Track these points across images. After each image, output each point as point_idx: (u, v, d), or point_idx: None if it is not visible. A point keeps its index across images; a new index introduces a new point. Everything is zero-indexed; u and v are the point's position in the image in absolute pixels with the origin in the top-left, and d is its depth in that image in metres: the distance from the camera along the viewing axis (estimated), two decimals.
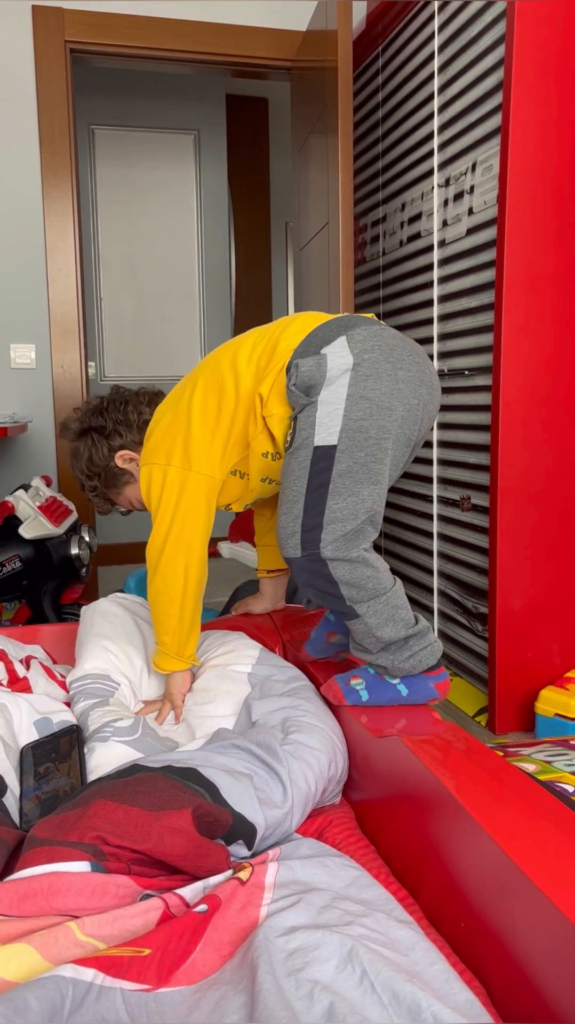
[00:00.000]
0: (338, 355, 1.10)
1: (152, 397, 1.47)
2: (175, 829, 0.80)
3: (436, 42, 2.36)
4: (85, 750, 1.09)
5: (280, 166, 4.81)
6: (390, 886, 0.89)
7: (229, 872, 0.82)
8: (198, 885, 0.80)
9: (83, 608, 1.46)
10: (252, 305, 4.60)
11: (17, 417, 2.79)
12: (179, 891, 0.79)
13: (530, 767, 1.11)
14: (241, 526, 2.18)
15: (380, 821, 1.01)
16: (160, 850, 0.79)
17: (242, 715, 1.15)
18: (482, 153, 2.16)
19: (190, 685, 1.26)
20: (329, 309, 2.46)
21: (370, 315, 1.22)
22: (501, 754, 1.16)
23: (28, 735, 1.14)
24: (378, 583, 1.09)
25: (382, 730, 1.03)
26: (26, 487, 2.44)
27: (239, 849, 0.89)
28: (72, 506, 2.55)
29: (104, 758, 1.05)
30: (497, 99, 2.06)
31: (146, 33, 3.01)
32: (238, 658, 1.26)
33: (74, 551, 2.40)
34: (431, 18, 2.37)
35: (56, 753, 1.09)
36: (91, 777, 1.04)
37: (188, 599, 1.24)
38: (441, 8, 2.33)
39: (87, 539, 2.47)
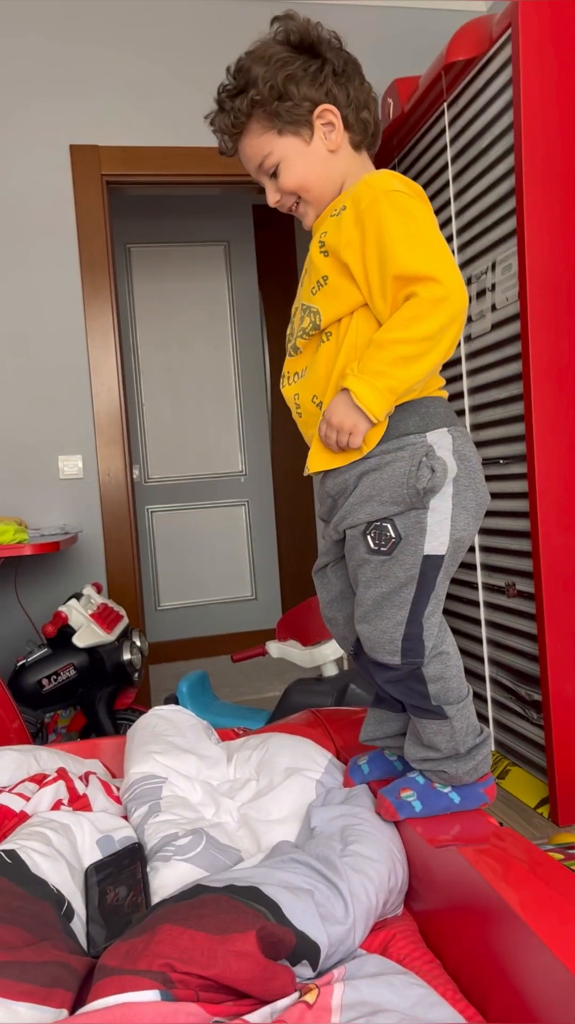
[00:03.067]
0: (447, 458, 1.09)
1: None
2: (240, 953, 0.82)
3: (449, 153, 2.49)
4: (148, 869, 1.10)
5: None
6: (457, 1004, 0.88)
7: (295, 995, 0.83)
8: (266, 1010, 0.80)
9: (128, 731, 1.50)
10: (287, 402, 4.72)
11: (68, 528, 2.89)
12: (247, 1016, 0.80)
13: None
14: (289, 623, 2.21)
15: (444, 933, 1.01)
16: (227, 975, 0.80)
17: (305, 824, 1.17)
18: (501, 253, 2.25)
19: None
20: None
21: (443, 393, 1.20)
22: (561, 857, 1.15)
23: (91, 855, 1.16)
24: (460, 682, 1.13)
25: (439, 839, 1.03)
26: (78, 596, 2.51)
27: (304, 970, 0.89)
28: (123, 612, 2.61)
29: (168, 878, 1.07)
30: (510, 204, 2.16)
31: (176, 162, 3.22)
32: (308, 763, 1.28)
33: (126, 656, 2.45)
34: (443, 132, 2.51)
35: (120, 873, 1.11)
36: (155, 898, 1.06)
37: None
38: (451, 122, 2.46)
39: (138, 644, 2.52)
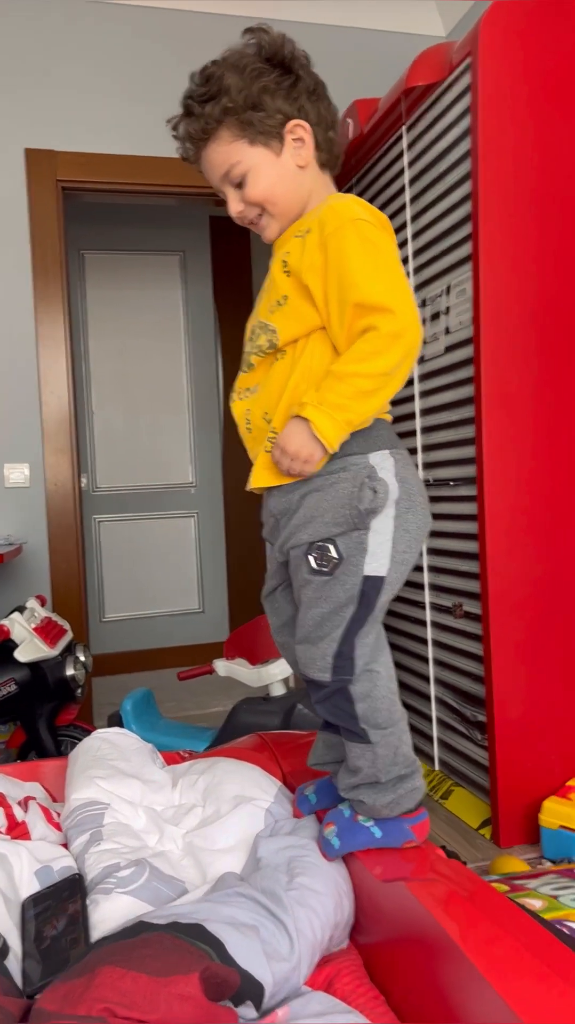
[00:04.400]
0: (389, 480, 1.09)
1: None
2: (183, 996, 0.79)
3: (407, 176, 2.51)
4: (88, 902, 1.07)
5: (260, 280, 5.02)
6: None
7: None
8: None
9: (70, 754, 1.46)
10: None
11: (12, 539, 2.83)
12: None
13: (537, 903, 1.10)
14: (237, 642, 2.19)
15: (389, 967, 1.00)
16: (169, 1020, 0.78)
17: (252, 855, 1.15)
18: (456, 277, 2.27)
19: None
20: None
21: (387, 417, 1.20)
22: (506, 888, 1.15)
23: (29, 886, 1.12)
24: (391, 705, 1.12)
25: (386, 873, 1.02)
26: (21, 608, 2.45)
27: (247, 1011, 0.87)
28: (67, 625, 2.55)
29: (108, 912, 1.04)
30: (466, 229, 2.18)
31: (134, 170, 3.18)
32: (256, 791, 1.26)
33: (69, 672, 2.40)
34: (401, 155, 2.53)
35: (58, 906, 1.07)
36: (95, 932, 1.03)
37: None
38: (410, 145, 2.49)
39: (82, 659, 2.47)
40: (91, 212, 4.14)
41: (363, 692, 1.11)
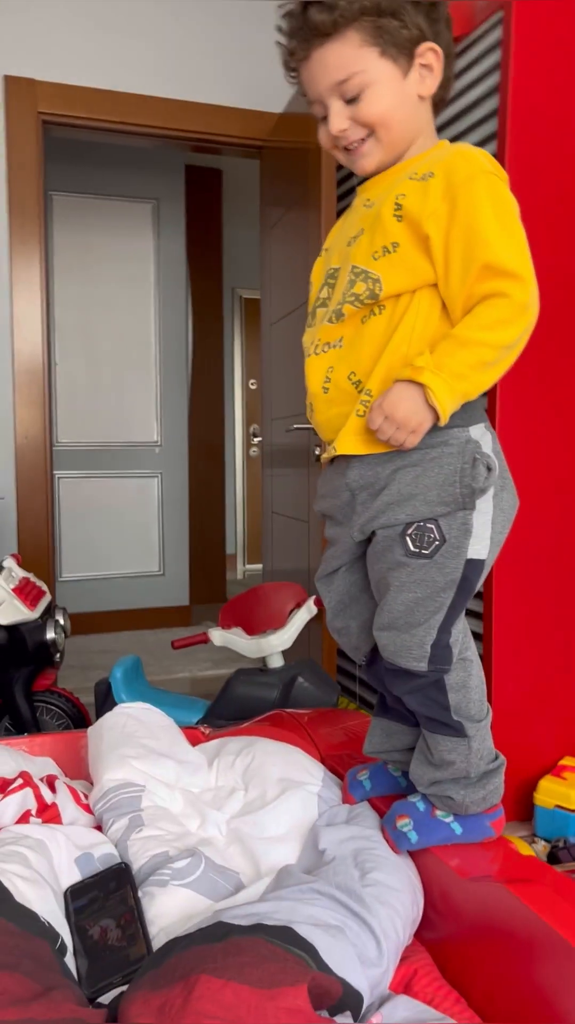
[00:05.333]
0: (491, 453, 1.02)
1: None
2: (292, 1010, 0.73)
3: None
4: (141, 895, 0.99)
5: (230, 235, 4.86)
6: None
7: None
8: None
9: (88, 729, 1.36)
10: (207, 372, 4.58)
11: None
12: None
13: None
14: (234, 611, 2.11)
15: (465, 967, 0.95)
16: None
17: (308, 844, 1.08)
18: None
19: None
20: None
21: None
22: None
23: (69, 876, 1.04)
24: (481, 695, 1.07)
25: (469, 869, 0.97)
26: None
27: (344, 1019, 0.81)
28: (45, 587, 2.43)
29: (165, 906, 0.96)
30: None
31: (117, 107, 3.00)
32: (303, 775, 1.18)
33: (49, 636, 2.28)
34: None
35: (105, 899, 0.99)
36: (152, 928, 0.95)
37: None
38: None
39: (62, 622, 2.36)
40: (62, 150, 3.91)
41: (458, 682, 1.05)
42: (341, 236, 1.12)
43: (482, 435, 1.04)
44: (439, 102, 1.10)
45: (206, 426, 4.55)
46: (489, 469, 0.99)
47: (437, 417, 0.97)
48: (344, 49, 1.01)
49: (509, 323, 0.96)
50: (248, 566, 6.07)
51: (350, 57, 1.01)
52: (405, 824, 1.07)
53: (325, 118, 1.06)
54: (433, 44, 1.04)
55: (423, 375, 0.96)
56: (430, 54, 1.04)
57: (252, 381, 5.97)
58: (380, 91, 1.02)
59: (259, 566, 5.29)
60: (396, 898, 0.95)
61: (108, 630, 4.21)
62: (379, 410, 0.99)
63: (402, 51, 1.02)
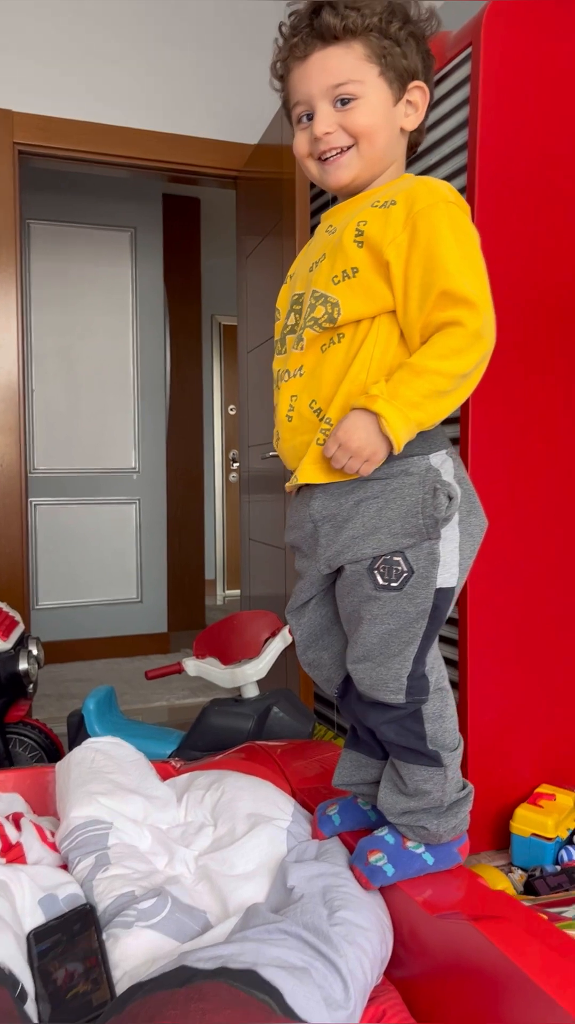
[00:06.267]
0: (452, 483, 1.02)
1: None
2: None
3: None
4: (105, 937, 0.97)
5: (210, 262, 4.90)
6: None
7: None
8: None
9: (57, 765, 1.35)
10: (185, 398, 4.58)
11: None
12: None
13: None
14: (208, 640, 2.09)
15: (436, 1006, 0.94)
16: None
17: (277, 881, 1.06)
18: None
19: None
20: None
21: None
22: (545, 916, 1.10)
23: (33, 918, 1.02)
24: (454, 724, 1.06)
25: (438, 905, 0.96)
26: None
27: None
28: (19, 617, 2.41)
29: (130, 948, 0.94)
30: None
31: (95, 139, 3.03)
32: (273, 809, 1.17)
33: (22, 667, 2.26)
34: None
35: (68, 942, 0.97)
36: (116, 972, 0.93)
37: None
38: None
39: (35, 653, 2.33)
40: (39, 180, 3.93)
41: (435, 712, 1.04)
42: (304, 262, 1.13)
43: (443, 462, 1.04)
44: (414, 145, 1.12)
45: (184, 452, 4.55)
46: (450, 498, 0.99)
47: (392, 445, 0.98)
48: (347, 56, 1.03)
49: (463, 352, 0.96)
50: (228, 592, 6.05)
51: (351, 65, 1.02)
52: (379, 859, 1.06)
53: (304, 122, 1.07)
54: (423, 83, 1.07)
55: (377, 403, 0.96)
56: (418, 92, 1.07)
57: (231, 406, 5.99)
58: (372, 105, 1.04)
59: (239, 592, 5.27)
60: (364, 937, 0.94)
61: (85, 658, 4.17)
62: (334, 439, 1.00)
63: (398, 79, 1.05)
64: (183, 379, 4.59)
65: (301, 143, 1.08)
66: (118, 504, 4.27)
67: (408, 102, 1.07)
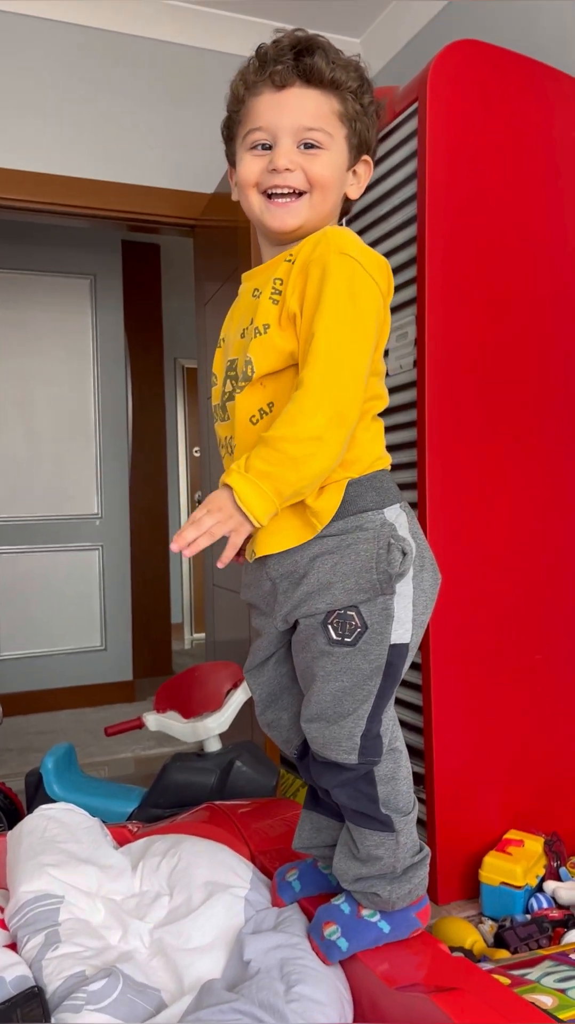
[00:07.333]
0: (407, 538, 1.01)
1: None
2: None
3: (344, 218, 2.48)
4: (54, 1022, 0.94)
5: (172, 306, 4.92)
6: None
7: None
8: None
9: (8, 834, 1.30)
10: (148, 442, 4.57)
11: None
12: None
13: (547, 1000, 1.03)
14: (169, 694, 2.06)
15: None
16: None
17: (234, 954, 1.03)
18: (397, 320, 2.25)
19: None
20: None
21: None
22: (508, 981, 1.08)
23: None
24: (409, 787, 1.05)
25: (397, 977, 0.94)
26: None
27: None
28: None
29: None
30: (409, 273, 2.16)
31: (53, 190, 3.04)
32: (230, 876, 1.14)
33: None
34: None
35: None
36: None
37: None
38: None
39: None
40: None
41: (388, 774, 1.02)
42: (233, 327, 1.12)
43: (397, 516, 1.03)
44: (343, 213, 1.14)
45: (148, 496, 4.52)
46: (404, 553, 0.98)
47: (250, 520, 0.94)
48: (325, 105, 1.03)
49: (306, 413, 0.94)
50: (196, 635, 5.99)
51: (327, 115, 1.04)
52: (333, 932, 1.03)
53: (259, 150, 1.05)
54: (370, 159, 1.10)
55: (230, 477, 0.94)
56: (364, 165, 1.10)
57: (196, 448, 5.99)
58: (334, 160, 1.05)
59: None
60: (322, 1012, 0.91)
61: (48, 709, 4.09)
62: (203, 508, 0.96)
63: (357, 146, 1.08)
64: (145, 423, 4.58)
65: (252, 169, 1.05)
66: (80, 551, 4.23)
67: (354, 172, 1.10)
